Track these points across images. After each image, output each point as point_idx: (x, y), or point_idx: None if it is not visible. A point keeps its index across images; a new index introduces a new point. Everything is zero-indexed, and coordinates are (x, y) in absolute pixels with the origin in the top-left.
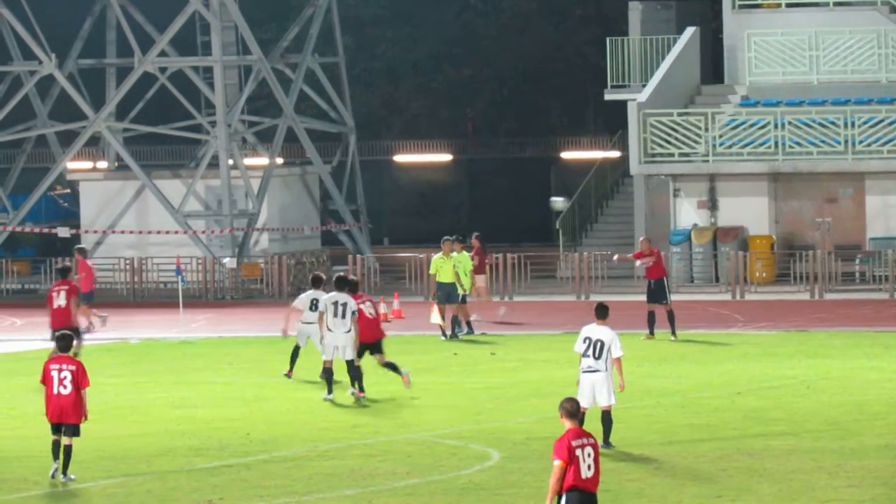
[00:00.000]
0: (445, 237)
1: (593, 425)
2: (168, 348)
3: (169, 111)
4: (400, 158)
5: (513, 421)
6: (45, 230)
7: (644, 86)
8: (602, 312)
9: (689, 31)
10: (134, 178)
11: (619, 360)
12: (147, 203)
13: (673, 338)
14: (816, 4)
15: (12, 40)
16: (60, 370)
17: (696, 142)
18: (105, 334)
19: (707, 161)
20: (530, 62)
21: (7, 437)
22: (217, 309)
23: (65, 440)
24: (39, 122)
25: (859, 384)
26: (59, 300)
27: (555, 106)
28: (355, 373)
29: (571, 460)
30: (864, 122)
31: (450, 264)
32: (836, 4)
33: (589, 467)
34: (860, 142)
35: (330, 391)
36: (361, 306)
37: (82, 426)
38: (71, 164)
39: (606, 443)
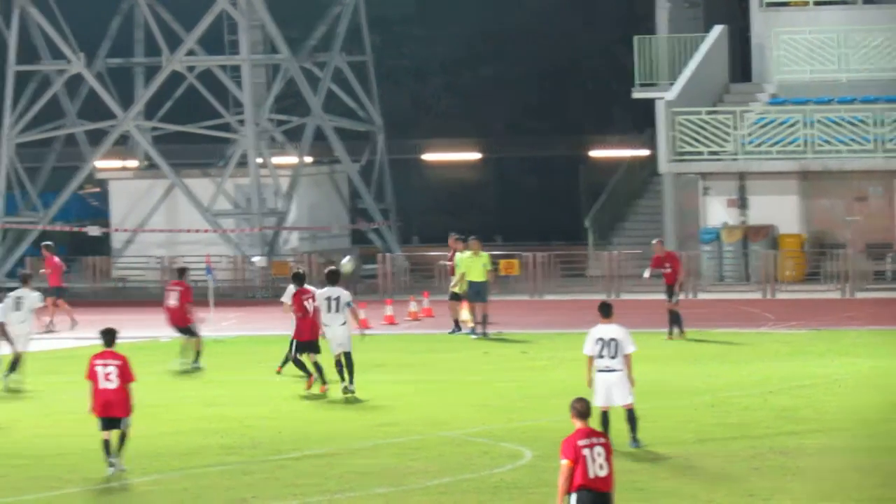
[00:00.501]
0: (472, 236)
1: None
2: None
3: (197, 110)
4: (428, 157)
5: (545, 419)
6: (76, 229)
7: (672, 84)
8: (607, 311)
9: (717, 29)
10: (163, 177)
11: (629, 356)
12: (176, 202)
13: (668, 337)
14: (844, 2)
15: (41, 40)
16: (105, 365)
17: (724, 140)
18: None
19: (736, 159)
20: (558, 60)
21: (42, 434)
22: (247, 307)
23: (115, 433)
24: (68, 122)
25: (891, 383)
26: (171, 300)
27: (583, 104)
28: (337, 368)
29: (578, 460)
30: (894, 120)
31: (479, 262)
32: (864, 2)
33: (600, 467)
34: (890, 140)
35: (343, 379)
36: (305, 304)
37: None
38: (100, 163)
39: (635, 441)
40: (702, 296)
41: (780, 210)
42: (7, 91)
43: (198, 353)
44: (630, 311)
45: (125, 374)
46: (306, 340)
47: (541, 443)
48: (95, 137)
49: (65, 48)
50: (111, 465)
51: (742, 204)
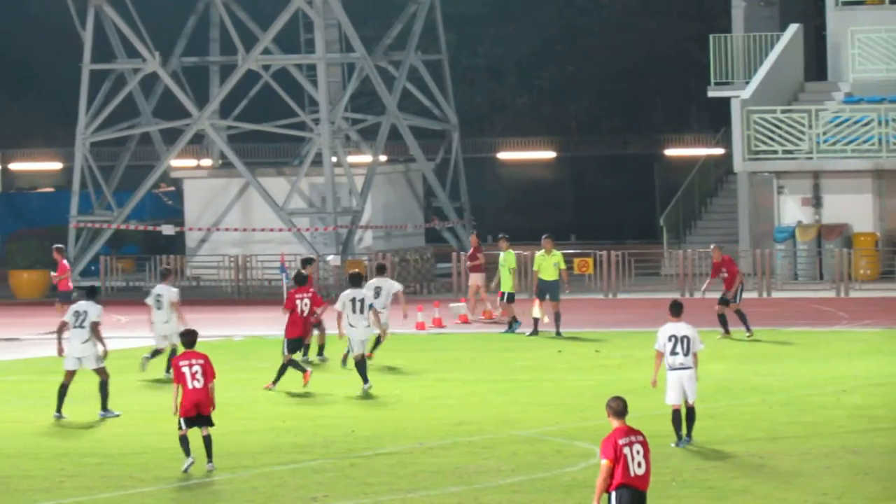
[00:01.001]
0: (545, 235)
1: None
2: (272, 346)
3: (272, 109)
4: (503, 156)
5: None
6: (150, 228)
7: (747, 83)
8: (677, 310)
9: (793, 27)
10: (238, 176)
11: (697, 354)
12: (251, 201)
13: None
14: None
15: (116, 38)
16: (191, 365)
17: (799, 139)
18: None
19: (811, 158)
20: (633, 59)
21: (112, 433)
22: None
23: (203, 431)
24: (143, 120)
25: None
26: (303, 306)
27: (658, 103)
28: (361, 368)
29: (618, 459)
30: None
31: (550, 261)
32: None
33: (639, 465)
34: None
35: (365, 380)
36: (298, 302)
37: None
38: (175, 162)
39: (689, 437)
40: (775, 294)
41: (854, 208)
42: (82, 90)
43: (321, 347)
44: (706, 310)
45: (208, 372)
46: (296, 338)
47: None
48: (170, 136)
49: (140, 47)
50: (208, 463)
51: (816, 202)
